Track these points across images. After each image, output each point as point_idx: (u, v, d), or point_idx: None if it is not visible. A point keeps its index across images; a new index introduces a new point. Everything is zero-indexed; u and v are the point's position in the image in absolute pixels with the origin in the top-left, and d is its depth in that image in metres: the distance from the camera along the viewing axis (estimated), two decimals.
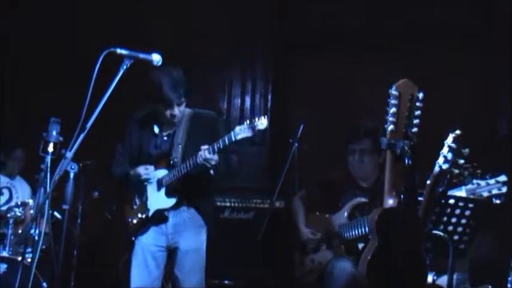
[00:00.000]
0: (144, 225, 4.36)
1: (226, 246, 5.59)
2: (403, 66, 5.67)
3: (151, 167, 4.33)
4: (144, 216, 4.36)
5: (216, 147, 4.01)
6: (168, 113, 4.23)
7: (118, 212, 5.09)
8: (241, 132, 3.96)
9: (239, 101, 6.78)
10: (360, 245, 4.28)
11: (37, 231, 3.64)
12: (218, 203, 5.81)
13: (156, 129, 4.39)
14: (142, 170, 4.32)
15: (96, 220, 5.42)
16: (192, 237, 4.34)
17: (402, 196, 2.95)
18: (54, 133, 3.60)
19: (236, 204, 5.89)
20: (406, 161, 2.95)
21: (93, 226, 5.54)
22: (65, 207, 3.63)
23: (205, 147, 4.01)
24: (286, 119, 6.57)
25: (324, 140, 6.08)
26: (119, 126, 4.53)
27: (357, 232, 4.33)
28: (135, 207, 4.43)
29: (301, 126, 5.24)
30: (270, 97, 6.70)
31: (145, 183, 4.35)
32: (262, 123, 3.97)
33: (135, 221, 4.39)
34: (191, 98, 4.30)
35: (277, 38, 6.64)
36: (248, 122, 3.99)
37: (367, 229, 4.17)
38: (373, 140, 4.51)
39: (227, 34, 6.64)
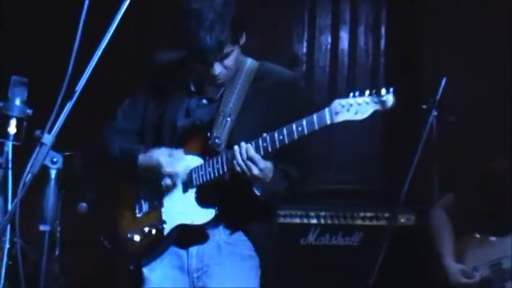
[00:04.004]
0: (153, 249, 3.37)
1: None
2: None
3: (180, 152, 3.25)
4: (154, 232, 3.38)
5: (277, 138, 2.94)
6: (204, 71, 3.17)
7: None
8: (343, 110, 2.84)
9: (329, 39, 5.05)
10: None
11: None
12: (298, 220, 4.46)
13: (193, 87, 3.38)
14: (165, 158, 3.23)
15: (86, 250, 4.36)
16: (231, 276, 3.28)
17: None
18: (17, 102, 2.93)
19: (329, 221, 4.47)
20: None
21: (81, 260, 4.55)
22: (44, 228, 2.79)
23: (245, 145, 3.03)
24: (411, 74, 4.94)
25: (478, 113, 4.85)
26: (119, 98, 3.49)
27: None
28: (139, 215, 3.43)
29: (443, 81, 3.92)
30: (383, 31, 4.88)
31: (163, 179, 3.31)
32: (385, 99, 2.82)
33: (137, 239, 3.41)
34: (253, 41, 3.15)
35: None
36: (357, 93, 2.88)
37: None
38: None
39: None
